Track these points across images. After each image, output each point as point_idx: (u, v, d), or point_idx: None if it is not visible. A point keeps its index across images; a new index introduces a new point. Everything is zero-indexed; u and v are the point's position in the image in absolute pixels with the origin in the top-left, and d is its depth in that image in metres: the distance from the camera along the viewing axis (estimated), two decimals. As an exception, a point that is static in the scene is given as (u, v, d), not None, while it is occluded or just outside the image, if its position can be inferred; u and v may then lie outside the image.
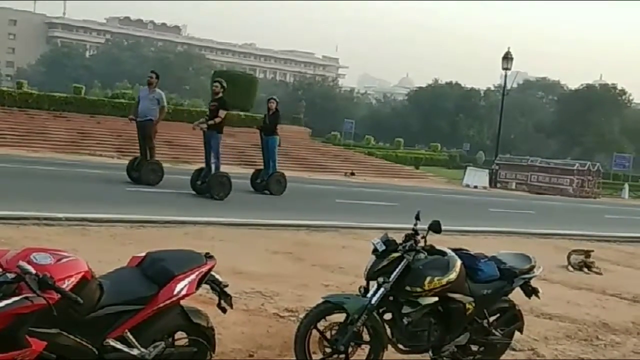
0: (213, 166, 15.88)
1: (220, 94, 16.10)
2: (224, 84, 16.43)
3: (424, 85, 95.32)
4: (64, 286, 3.54)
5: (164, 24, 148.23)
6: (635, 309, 9.02)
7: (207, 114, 16.56)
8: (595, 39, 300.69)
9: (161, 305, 4.07)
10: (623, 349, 7.13)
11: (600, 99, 77.99)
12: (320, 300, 5.24)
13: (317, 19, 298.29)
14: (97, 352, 3.89)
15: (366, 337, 5.18)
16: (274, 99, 18.63)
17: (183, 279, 4.16)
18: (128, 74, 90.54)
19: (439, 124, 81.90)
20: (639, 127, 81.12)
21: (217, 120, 15.68)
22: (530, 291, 5.92)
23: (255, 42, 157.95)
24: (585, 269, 11.19)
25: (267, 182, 18.13)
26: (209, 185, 15.64)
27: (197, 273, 4.26)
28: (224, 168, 16.76)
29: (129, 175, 16.84)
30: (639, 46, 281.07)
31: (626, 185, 43.54)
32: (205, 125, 15.75)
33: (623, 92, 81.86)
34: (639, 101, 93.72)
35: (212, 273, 4.44)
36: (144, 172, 16.53)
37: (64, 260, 3.72)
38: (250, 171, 20.12)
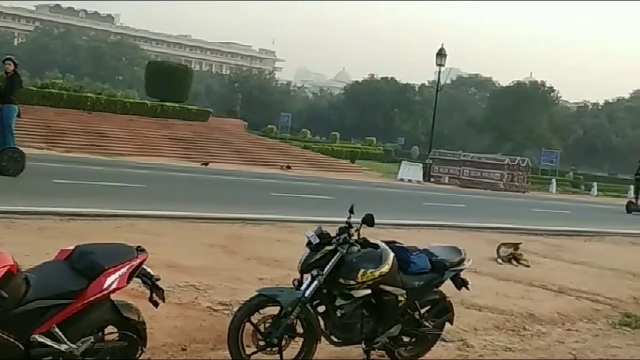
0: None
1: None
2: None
3: (360, 80, 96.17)
4: (-13, 280, 3.44)
5: (96, 13, 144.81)
6: (561, 300, 9.31)
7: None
8: (526, 36, 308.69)
9: (90, 299, 3.99)
10: (548, 338, 7.35)
11: (530, 96, 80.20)
12: (254, 294, 5.23)
13: (254, 11, 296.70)
14: (23, 348, 3.80)
15: (300, 329, 5.19)
16: (11, 60, 15.45)
17: (113, 273, 4.09)
18: (58, 63, 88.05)
19: (375, 118, 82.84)
20: (566, 123, 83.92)
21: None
22: (461, 283, 6.03)
23: (191, 33, 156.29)
24: (514, 262, 11.46)
25: None
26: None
27: (128, 266, 4.19)
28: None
29: None
30: (566, 44, 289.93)
31: (553, 180, 44.95)
32: None
33: (551, 89, 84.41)
34: (567, 98, 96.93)
35: (144, 266, 4.38)
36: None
37: (-12, 253, 3.61)
38: (184, 163, 19.88)
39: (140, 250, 4.39)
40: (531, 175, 43.98)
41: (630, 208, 27.41)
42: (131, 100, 41.25)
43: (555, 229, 17.43)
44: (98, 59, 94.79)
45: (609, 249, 15.40)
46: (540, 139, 74.81)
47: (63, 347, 3.95)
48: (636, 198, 27.87)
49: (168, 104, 39.76)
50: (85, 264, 4.09)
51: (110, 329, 4.34)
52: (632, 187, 31.45)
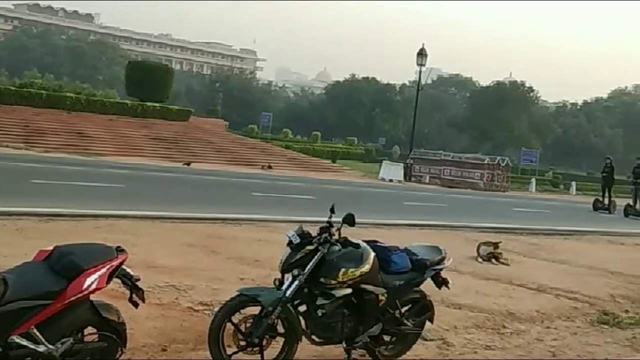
0: None
1: None
2: None
3: (341, 79, 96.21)
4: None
5: (75, 12, 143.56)
6: (540, 298, 9.39)
7: None
8: (506, 36, 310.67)
9: (70, 300, 3.97)
10: (528, 336, 7.41)
11: (510, 96, 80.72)
12: (235, 293, 5.22)
13: (235, 10, 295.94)
14: (1, 350, 3.77)
15: (281, 329, 5.19)
16: None
17: (93, 273, 4.08)
18: (37, 62, 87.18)
19: (356, 118, 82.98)
20: (546, 123, 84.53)
21: None
22: (441, 282, 6.06)
23: (172, 33, 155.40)
24: (494, 260, 11.54)
25: None
26: None
27: (107, 267, 4.18)
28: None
29: None
30: (546, 44, 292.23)
31: (533, 180, 45.25)
32: None
33: (531, 89, 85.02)
34: (546, 98, 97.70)
35: (124, 267, 4.37)
36: None
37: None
38: (165, 163, 19.80)
39: (120, 250, 4.38)
40: (511, 175, 44.23)
41: (596, 206, 27.52)
42: (111, 99, 41.04)
43: (535, 228, 17.57)
44: (78, 59, 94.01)
45: (587, 247, 15.55)
46: (520, 138, 75.31)
47: (42, 349, 3.92)
48: (603, 196, 27.98)
49: (148, 103, 39.57)
50: (64, 265, 4.06)
51: (89, 329, 4.32)
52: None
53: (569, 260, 12.73)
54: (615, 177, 28.80)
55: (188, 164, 29.21)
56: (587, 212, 26.24)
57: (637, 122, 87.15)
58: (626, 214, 25.78)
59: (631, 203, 26.30)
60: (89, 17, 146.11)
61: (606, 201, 27.47)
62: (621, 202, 27.13)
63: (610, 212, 26.66)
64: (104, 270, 4.15)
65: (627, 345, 7.39)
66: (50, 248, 4.25)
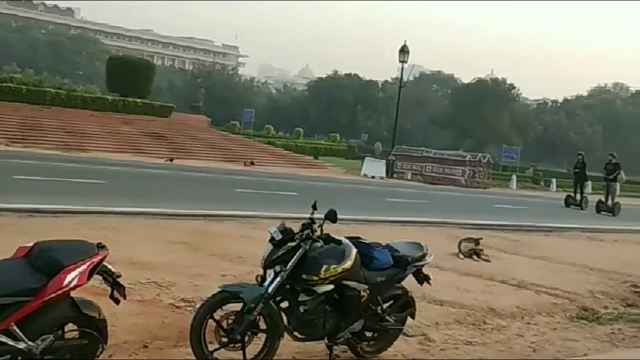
0: None
1: None
2: None
3: (323, 76, 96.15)
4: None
5: (55, 6, 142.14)
6: (520, 294, 9.47)
7: None
8: (489, 34, 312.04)
9: (50, 296, 3.95)
10: (508, 332, 7.47)
11: (491, 93, 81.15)
12: (217, 290, 5.21)
13: (217, 6, 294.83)
14: (-20, 347, 3.74)
15: (263, 325, 5.19)
16: None
17: (73, 270, 4.05)
18: (17, 57, 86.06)
19: (338, 114, 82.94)
20: (526, 120, 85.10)
21: None
22: (422, 278, 6.10)
23: (153, 28, 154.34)
24: (475, 257, 11.62)
25: None
26: None
27: (88, 263, 4.15)
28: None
29: None
30: (527, 41, 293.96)
31: (514, 176, 45.58)
32: None
33: (512, 86, 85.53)
34: (527, 95, 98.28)
35: (105, 263, 4.35)
36: None
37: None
38: (146, 159, 19.69)
39: (100, 247, 4.35)
40: (492, 172, 44.48)
41: (568, 202, 27.50)
42: (92, 95, 40.70)
43: (516, 225, 17.69)
44: (58, 53, 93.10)
45: (566, 243, 15.69)
46: (501, 135, 75.72)
47: (22, 346, 3.90)
48: (575, 192, 28.05)
49: (130, 99, 39.32)
50: (44, 261, 4.04)
51: (70, 326, 4.29)
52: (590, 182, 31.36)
53: (550, 257, 12.84)
54: (592, 173, 28.85)
55: (171, 160, 29.08)
56: (568, 209, 26.40)
57: (616, 120, 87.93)
58: (598, 210, 25.87)
59: (603, 199, 26.48)
60: (69, 12, 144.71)
61: (578, 197, 27.43)
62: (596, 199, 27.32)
63: (582, 208, 26.67)
64: (84, 266, 4.12)
65: (606, 341, 7.47)
66: (30, 244, 4.22)
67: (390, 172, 38.54)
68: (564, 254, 13.31)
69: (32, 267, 4.03)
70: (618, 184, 27.16)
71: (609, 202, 26.16)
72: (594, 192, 29.38)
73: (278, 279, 5.15)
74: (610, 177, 26.56)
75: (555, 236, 16.82)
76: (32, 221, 10.03)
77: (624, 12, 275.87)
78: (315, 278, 5.21)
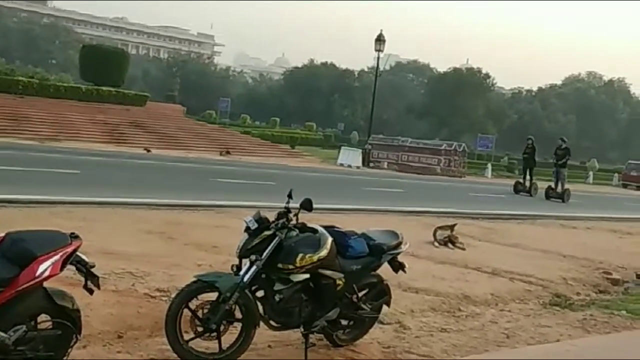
0: None
1: None
2: None
3: (299, 65, 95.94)
4: None
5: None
6: (494, 281, 9.57)
7: None
8: (463, 23, 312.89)
9: (22, 287, 3.91)
10: (482, 319, 7.56)
11: (467, 82, 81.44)
12: (192, 279, 5.20)
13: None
14: (-49, 339, 3.69)
15: (238, 315, 5.19)
16: None
17: (46, 260, 4.01)
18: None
19: (314, 103, 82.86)
20: (501, 109, 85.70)
21: None
22: (398, 266, 6.12)
23: (127, 16, 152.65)
24: (450, 245, 11.72)
25: None
26: None
27: (61, 254, 4.11)
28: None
29: None
30: (502, 30, 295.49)
31: (489, 165, 45.89)
32: None
33: (487, 76, 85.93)
34: (502, 85, 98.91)
35: (78, 253, 4.31)
36: None
37: None
38: (122, 149, 19.52)
39: (74, 237, 4.31)
40: (467, 160, 44.77)
41: (517, 189, 27.18)
42: (65, 84, 40.18)
43: (490, 213, 17.85)
44: (30, 42, 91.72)
45: (540, 231, 15.88)
46: (477, 124, 76.11)
47: (-6, 337, 3.86)
48: (524, 178, 27.63)
49: (104, 88, 38.93)
50: (16, 251, 3.99)
51: (43, 317, 4.26)
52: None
53: (523, 244, 12.99)
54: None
55: (148, 150, 28.87)
56: (542, 197, 26.46)
57: (590, 109, 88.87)
58: (547, 197, 25.69)
59: (552, 185, 26.20)
60: (42, 0, 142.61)
61: (527, 183, 27.17)
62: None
63: (531, 195, 26.45)
64: (57, 257, 4.09)
65: (578, 327, 7.59)
66: (2, 235, 4.17)
67: (366, 161, 38.63)
68: (538, 242, 13.47)
69: (3, 257, 3.98)
70: (566, 170, 26.72)
71: (559, 189, 25.82)
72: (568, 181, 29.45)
73: (254, 268, 5.15)
74: (560, 162, 26.10)
75: (529, 224, 17.01)
76: (4, 212, 9.92)
77: (596, 3, 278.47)
78: (290, 267, 5.21)
